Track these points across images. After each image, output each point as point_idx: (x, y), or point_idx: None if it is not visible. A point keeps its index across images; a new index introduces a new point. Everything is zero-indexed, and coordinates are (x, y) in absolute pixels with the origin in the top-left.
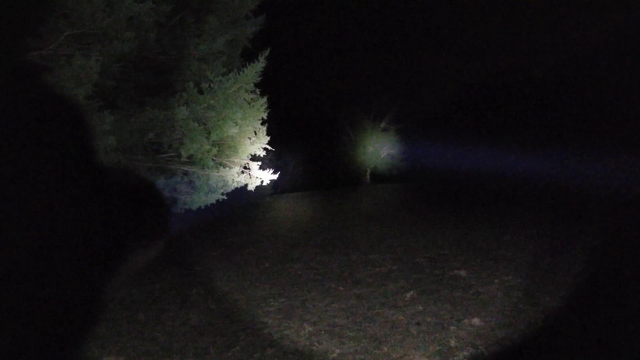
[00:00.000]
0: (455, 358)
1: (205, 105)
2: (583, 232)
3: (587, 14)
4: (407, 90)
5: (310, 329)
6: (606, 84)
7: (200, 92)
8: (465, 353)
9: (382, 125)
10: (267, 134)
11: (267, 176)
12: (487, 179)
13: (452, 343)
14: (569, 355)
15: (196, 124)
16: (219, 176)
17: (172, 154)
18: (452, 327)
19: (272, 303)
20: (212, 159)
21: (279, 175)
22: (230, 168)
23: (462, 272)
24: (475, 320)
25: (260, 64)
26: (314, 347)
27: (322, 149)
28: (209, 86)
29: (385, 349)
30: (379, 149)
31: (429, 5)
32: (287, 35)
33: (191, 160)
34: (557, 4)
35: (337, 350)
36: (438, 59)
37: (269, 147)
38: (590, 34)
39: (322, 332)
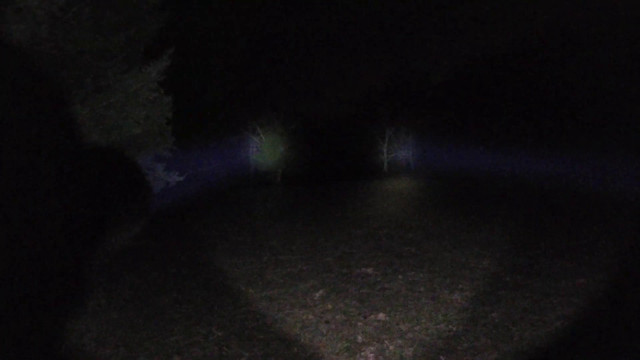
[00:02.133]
0: (362, 353)
1: (104, 103)
2: (483, 226)
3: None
4: (317, 92)
5: (220, 333)
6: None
7: (99, 90)
8: (371, 348)
9: (293, 126)
10: (174, 135)
11: (174, 178)
12: (393, 177)
13: (360, 339)
14: (470, 345)
15: (94, 123)
16: None
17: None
18: (359, 324)
19: (179, 309)
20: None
21: (187, 177)
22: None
23: (369, 270)
24: (381, 316)
25: (164, 62)
26: (223, 352)
27: (233, 149)
28: (109, 84)
29: (295, 349)
30: (290, 150)
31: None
32: (195, 32)
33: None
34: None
35: (247, 354)
36: (347, 62)
37: (175, 148)
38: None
39: (232, 336)
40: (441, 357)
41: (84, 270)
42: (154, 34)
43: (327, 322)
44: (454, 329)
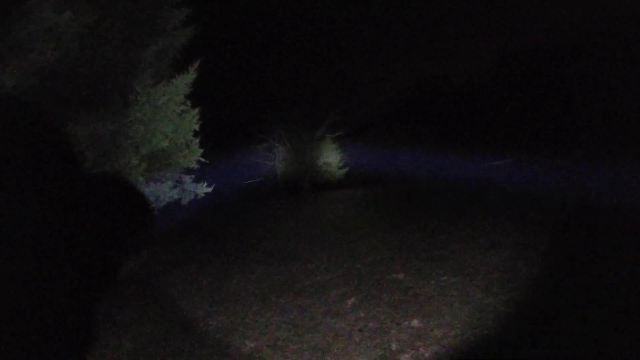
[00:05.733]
0: None
1: (132, 118)
2: (515, 229)
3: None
4: (342, 98)
5: (252, 345)
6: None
7: (127, 104)
8: (406, 355)
9: (319, 133)
10: (201, 147)
11: (202, 189)
12: (424, 180)
13: (394, 347)
14: (505, 350)
15: (123, 138)
16: (150, 191)
17: (98, 170)
18: (392, 331)
19: (210, 322)
20: (142, 174)
21: (216, 187)
22: (162, 182)
23: (400, 275)
24: (415, 322)
25: (190, 75)
26: None
27: (260, 157)
28: (136, 98)
29: (329, 358)
30: (316, 157)
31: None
32: (219, 45)
33: (119, 176)
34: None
35: None
36: (371, 66)
37: (203, 160)
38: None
39: (264, 347)
40: None
41: (115, 281)
42: (180, 48)
43: (360, 330)
44: (491, 333)
